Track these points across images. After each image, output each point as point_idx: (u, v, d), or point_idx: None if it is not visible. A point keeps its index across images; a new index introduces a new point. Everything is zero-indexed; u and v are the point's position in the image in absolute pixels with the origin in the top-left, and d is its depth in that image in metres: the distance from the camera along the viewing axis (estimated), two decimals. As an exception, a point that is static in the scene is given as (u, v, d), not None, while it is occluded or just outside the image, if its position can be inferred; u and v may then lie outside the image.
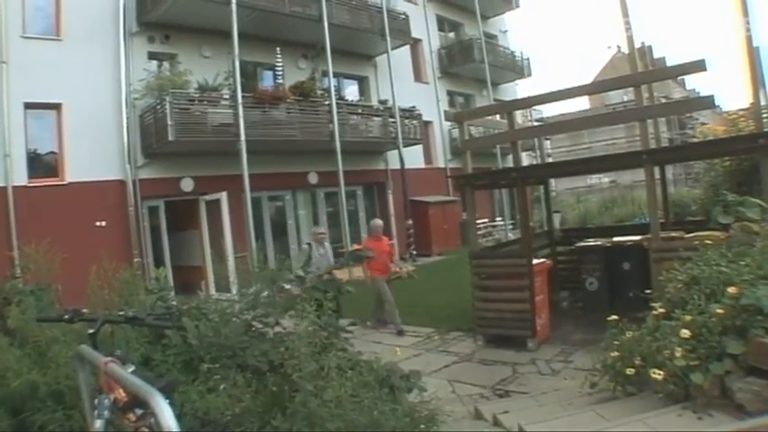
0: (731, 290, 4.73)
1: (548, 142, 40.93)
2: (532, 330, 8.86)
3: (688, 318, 4.90)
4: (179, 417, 2.40)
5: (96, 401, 3.07)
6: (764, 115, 11.52)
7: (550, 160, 35.71)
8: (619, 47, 55.42)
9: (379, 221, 13.22)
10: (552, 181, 24.04)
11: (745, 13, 8.21)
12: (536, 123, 31.68)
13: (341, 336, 5.05)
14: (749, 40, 8.29)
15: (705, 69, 8.01)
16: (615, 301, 9.85)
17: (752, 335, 4.45)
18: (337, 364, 4.14)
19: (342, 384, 3.85)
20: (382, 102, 23.04)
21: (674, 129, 45.38)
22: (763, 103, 12.26)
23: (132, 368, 3.20)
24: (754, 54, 8.59)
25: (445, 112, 18.39)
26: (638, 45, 13.71)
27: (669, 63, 35.11)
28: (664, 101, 26.94)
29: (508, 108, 11.26)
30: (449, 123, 25.85)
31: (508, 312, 9.12)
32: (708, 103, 10.92)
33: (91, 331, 3.41)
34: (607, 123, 22.29)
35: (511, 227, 28.95)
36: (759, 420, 4.15)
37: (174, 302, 5.56)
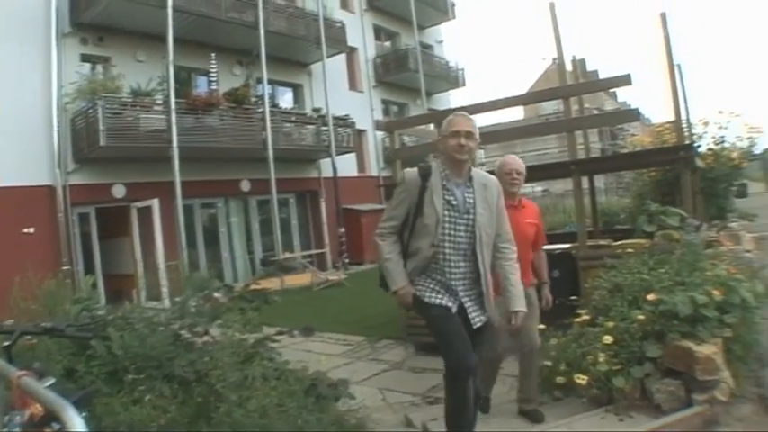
0: (650, 297, 4.98)
1: (482, 152, 41.39)
2: (463, 337, 8.94)
3: (611, 324, 5.12)
4: (99, 430, 2.40)
5: (7, 418, 2.96)
6: (685, 129, 11.89)
7: (484, 169, 36.10)
8: (554, 59, 56.52)
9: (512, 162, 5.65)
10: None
11: (666, 31, 8.51)
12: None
13: (267, 345, 5.04)
14: (670, 56, 8.58)
15: (630, 83, 8.26)
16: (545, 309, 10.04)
17: (669, 339, 4.74)
18: (262, 374, 4.14)
19: (266, 394, 3.86)
20: (316, 110, 23.06)
21: (607, 139, 46.46)
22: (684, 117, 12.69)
23: (51, 381, 3.07)
24: (674, 70, 8.88)
25: (376, 121, 18.51)
26: (572, 58, 14.08)
27: (602, 76, 36.08)
28: (596, 112, 27.58)
29: (439, 118, 11.34)
30: (382, 132, 26.00)
31: (438, 320, 9.18)
32: (632, 115, 11.26)
33: (6, 344, 3.29)
34: (537, 134, 22.71)
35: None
36: (671, 417, 4.44)
37: (101, 312, 5.47)
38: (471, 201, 4.13)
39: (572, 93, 10.06)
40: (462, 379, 4.11)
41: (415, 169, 4.24)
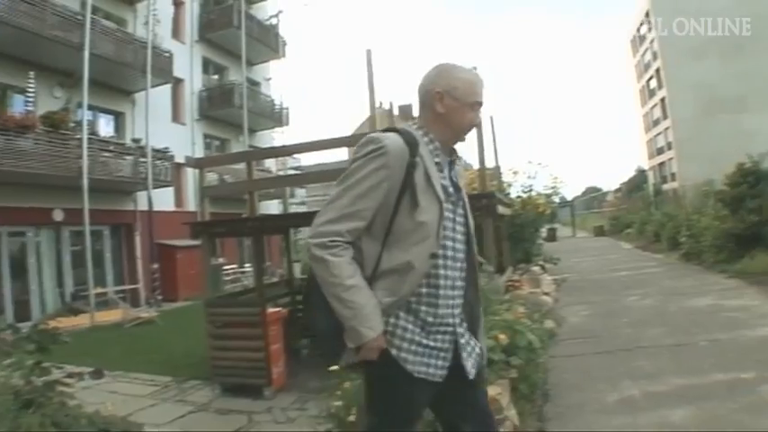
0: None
1: (303, 191, 41.69)
2: (268, 379, 9.02)
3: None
4: None
5: None
6: (494, 177, 12.69)
7: (305, 208, 36.41)
8: (381, 102, 58.19)
9: None
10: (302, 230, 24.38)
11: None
12: (292, 172, 32.05)
13: (56, 388, 4.56)
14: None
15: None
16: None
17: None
18: (41, 422, 3.89)
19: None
20: (136, 140, 22.60)
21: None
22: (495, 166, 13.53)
23: None
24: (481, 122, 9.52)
25: (186, 158, 18.22)
26: (389, 103, 14.73)
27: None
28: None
29: (248, 158, 11.52)
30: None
31: (243, 361, 9.20)
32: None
33: None
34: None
35: (262, 272, 28.97)
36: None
37: None
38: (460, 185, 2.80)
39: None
40: None
41: (395, 134, 2.61)
